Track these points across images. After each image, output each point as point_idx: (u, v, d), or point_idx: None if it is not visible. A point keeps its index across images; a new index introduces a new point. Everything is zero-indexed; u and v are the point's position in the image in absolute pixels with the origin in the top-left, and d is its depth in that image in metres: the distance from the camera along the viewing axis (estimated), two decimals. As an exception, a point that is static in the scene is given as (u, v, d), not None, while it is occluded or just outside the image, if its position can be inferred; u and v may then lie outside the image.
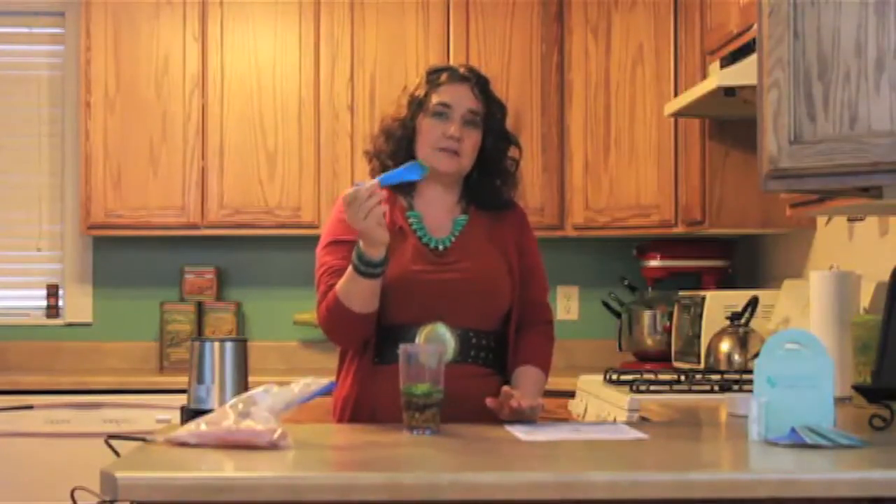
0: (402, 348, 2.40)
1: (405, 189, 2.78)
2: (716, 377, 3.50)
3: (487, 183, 2.82)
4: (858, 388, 2.59)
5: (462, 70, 2.81)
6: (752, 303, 3.89)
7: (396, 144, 2.77)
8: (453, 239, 2.75)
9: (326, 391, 2.32)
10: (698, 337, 4.15)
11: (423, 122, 2.75)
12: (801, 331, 2.51)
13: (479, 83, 2.79)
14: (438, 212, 2.77)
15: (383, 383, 2.60)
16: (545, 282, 2.90)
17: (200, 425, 2.17)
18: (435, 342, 2.62)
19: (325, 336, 2.72)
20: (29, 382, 4.46)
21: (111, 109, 4.76)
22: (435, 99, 2.75)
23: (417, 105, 2.76)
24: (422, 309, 2.65)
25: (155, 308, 5.00)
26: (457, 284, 2.67)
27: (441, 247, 2.74)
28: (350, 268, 2.56)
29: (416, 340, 2.62)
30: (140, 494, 1.87)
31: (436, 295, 2.66)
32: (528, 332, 2.82)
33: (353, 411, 2.69)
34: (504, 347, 2.77)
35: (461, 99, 2.75)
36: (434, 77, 2.78)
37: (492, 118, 2.80)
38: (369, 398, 2.67)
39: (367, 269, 2.53)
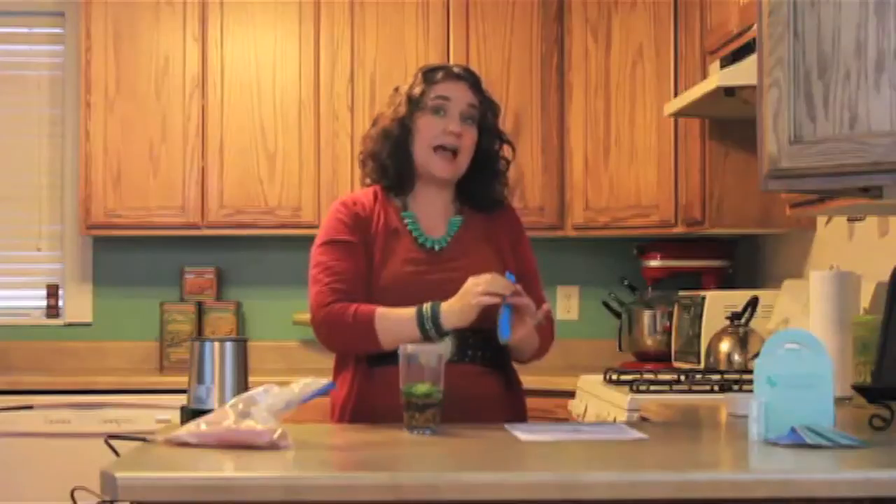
0: (402, 348, 2.39)
1: (399, 190, 2.78)
2: (716, 377, 3.50)
3: (481, 182, 2.81)
4: (858, 388, 2.59)
5: (457, 69, 2.81)
6: (752, 303, 3.89)
7: (394, 144, 2.76)
8: (449, 239, 2.76)
9: (326, 391, 2.32)
10: (698, 337, 4.15)
11: (420, 120, 2.74)
12: (801, 331, 2.51)
13: (474, 82, 2.80)
14: (433, 212, 2.77)
15: (381, 385, 2.60)
16: (541, 281, 2.90)
17: (200, 425, 2.17)
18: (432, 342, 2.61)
19: (318, 337, 2.70)
20: (29, 382, 4.46)
21: (111, 109, 4.76)
22: (433, 94, 2.75)
23: (415, 104, 2.76)
24: None
25: (155, 308, 5.00)
26: (453, 284, 2.66)
27: (437, 247, 2.74)
28: (414, 319, 2.56)
29: None
30: (140, 494, 1.87)
31: (432, 295, 2.65)
32: None
33: (352, 415, 2.69)
34: (502, 346, 2.76)
35: (460, 95, 2.76)
36: (430, 75, 2.78)
37: (485, 117, 2.80)
38: (368, 401, 2.67)
39: (434, 332, 2.56)
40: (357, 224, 2.71)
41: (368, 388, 2.67)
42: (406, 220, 2.75)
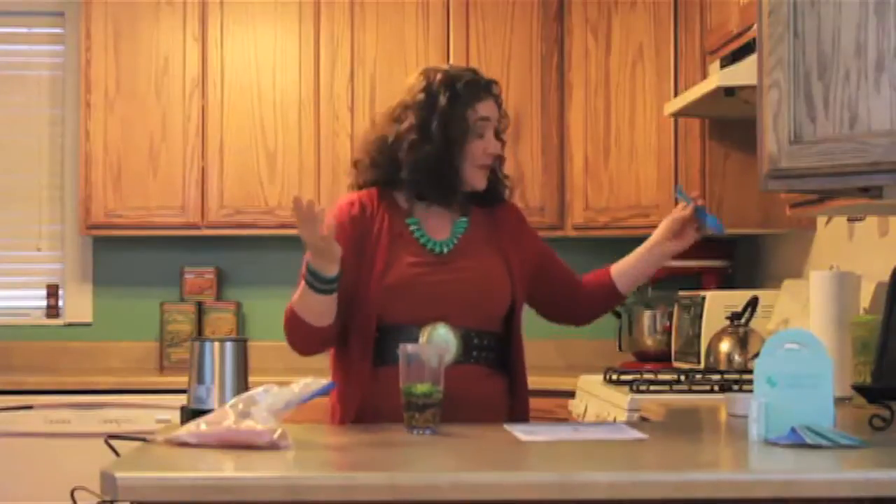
0: (402, 348, 2.39)
1: (403, 196, 2.76)
2: (716, 377, 3.50)
3: (492, 183, 2.81)
4: (858, 388, 2.59)
5: (489, 84, 2.76)
6: (752, 303, 3.88)
7: (437, 159, 2.68)
8: (454, 242, 2.74)
9: (326, 391, 2.32)
10: (698, 337, 4.15)
11: (468, 144, 2.69)
12: (801, 331, 2.51)
13: (498, 95, 2.79)
14: (438, 215, 2.76)
15: (385, 385, 2.58)
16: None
17: (200, 425, 2.17)
18: (437, 343, 2.61)
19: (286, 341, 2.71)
20: (29, 382, 4.46)
21: (111, 109, 4.77)
22: (476, 115, 2.70)
23: (459, 121, 2.68)
24: (422, 310, 2.65)
25: (155, 308, 5.00)
26: (457, 286, 2.67)
27: (444, 250, 2.72)
28: (303, 281, 2.55)
29: (419, 341, 2.62)
30: (140, 494, 1.87)
31: (436, 296, 2.65)
32: (581, 284, 2.92)
33: (356, 415, 2.67)
34: (506, 347, 2.76)
35: (494, 112, 2.75)
36: (472, 90, 2.71)
37: (502, 125, 2.81)
38: (372, 401, 2.65)
39: (320, 284, 2.52)
40: (353, 227, 2.71)
41: (372, 387, 2.66)
42: (411, 227, 2.73)
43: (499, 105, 2.78)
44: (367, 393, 2.66)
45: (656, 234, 2.91)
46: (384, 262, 2.67)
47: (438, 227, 2.76)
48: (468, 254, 2.73)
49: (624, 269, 2.92)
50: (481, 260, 2.74)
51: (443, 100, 2.69)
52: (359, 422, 2.66)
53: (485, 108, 2.73)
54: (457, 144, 2.68)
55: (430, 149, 2.68)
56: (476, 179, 2.74)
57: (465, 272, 2.70)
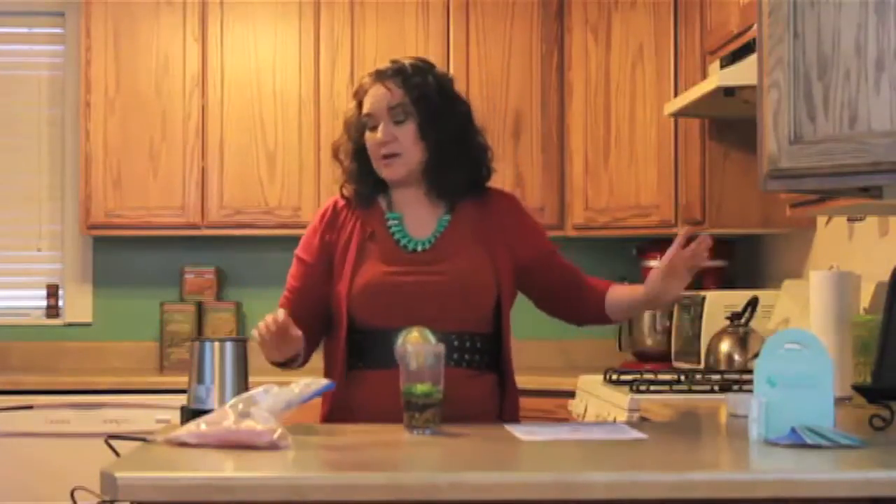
0: (402, 348, 2.38)
1: (384, 191, 2.75)
2: (716, 377, 3.50)
3: (442, 172, 2.70)
4: (858, 388, 2.59)
5: (382, 66, 2.75)
6: (752, 303, 3.88)
7: (349, 162, 2.77)
8: (433, 240, 2.69)
9: (326, 391, 2.32)
10: (698, 337, 4.15)
11: (365, 137, 2.73)
12: (801, 331, 2.51)
13: (396, 72, 2.72)
14: (418, 212, 2.72)
15: (361, 387, 2.63)
16: (561, 255, 2.85)
17: (200, 425, 2.17)
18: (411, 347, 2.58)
19: None
20: (29, 382, 4.46)
21: (111, 109, 4.77)
22: (363, 110, 2.72)
23: (351, 126, 2.75)
24: (396, 313, 2.59)
25: (155, 308, 5.00)
26: (432, 287, 2.63)
27: (420, 248, 2.69)
28: None
29: (396, 344, 2.57)
30: (140, 494, 1.87)
31: (410, 299, 2.62)
32: (585, 289, 2.81)
33: (329, 413, 2.70)
34: (496, 347, 2.72)
35: (378, 100, 2.70)
36: (359, 91, 2.76)
37: (421, 105, 2.68)
38: (343, 402, 2.66)
39: (277, 366, 2.65)
40: (321, 236, 2.74)
41: (346, 388, 2.65)
42: (390, 222, 2.71)
43: (402, 85, 2.69)
44: (342, 394, 2.65)
45: (648, 283, 2.73)
46: (352, 265, 2.67)
47: (421, 225, 2.71)
48: (448, 254, 2.67)
49: (617, 300, 2.80)
50: (461, 259, 2.67)
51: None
52: (330, 420, 2.69)
53: (366, 104, 2.71)
54: (357, 140, 2.73)
55: (337, 146, 2.80)
56: (381, 170, 2.70)
57: (442, 274, 2.65)
